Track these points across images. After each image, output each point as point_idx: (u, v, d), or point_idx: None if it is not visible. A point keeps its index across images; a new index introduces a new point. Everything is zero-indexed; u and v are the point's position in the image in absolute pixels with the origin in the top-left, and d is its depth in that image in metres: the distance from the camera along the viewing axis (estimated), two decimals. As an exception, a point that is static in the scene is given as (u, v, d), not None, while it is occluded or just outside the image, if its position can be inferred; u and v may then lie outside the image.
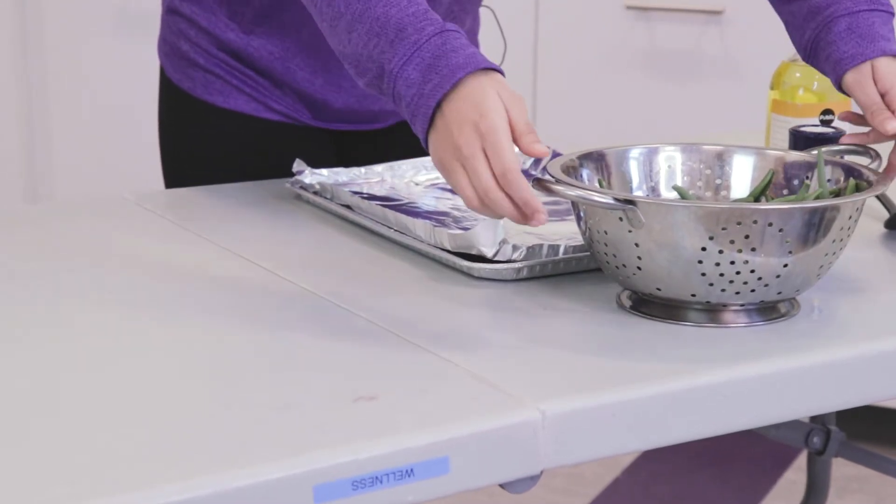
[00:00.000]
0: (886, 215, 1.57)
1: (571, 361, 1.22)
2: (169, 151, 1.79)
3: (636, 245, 1.28)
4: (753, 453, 3.00)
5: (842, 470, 2.72)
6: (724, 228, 1.24)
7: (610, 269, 1.32)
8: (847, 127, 1.52)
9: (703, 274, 1.27)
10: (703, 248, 1.25)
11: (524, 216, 1.26)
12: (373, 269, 1.44)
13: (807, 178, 1.39)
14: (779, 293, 1.29)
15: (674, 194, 1.40)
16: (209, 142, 1.75)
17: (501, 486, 1.12)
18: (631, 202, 1.26)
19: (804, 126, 1.49)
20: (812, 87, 1.56)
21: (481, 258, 1.39)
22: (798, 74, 1.57)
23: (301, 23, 1.66)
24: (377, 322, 1.28)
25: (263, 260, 1.44)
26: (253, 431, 1.07)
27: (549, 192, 1.28)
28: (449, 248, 1.41)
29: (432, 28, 1.32)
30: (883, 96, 1.48)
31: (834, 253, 1.30)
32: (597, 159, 1.40)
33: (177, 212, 1.61)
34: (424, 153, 1.71)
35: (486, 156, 1.27)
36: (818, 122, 1.54)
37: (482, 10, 1.82)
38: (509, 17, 1.95)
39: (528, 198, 1.25)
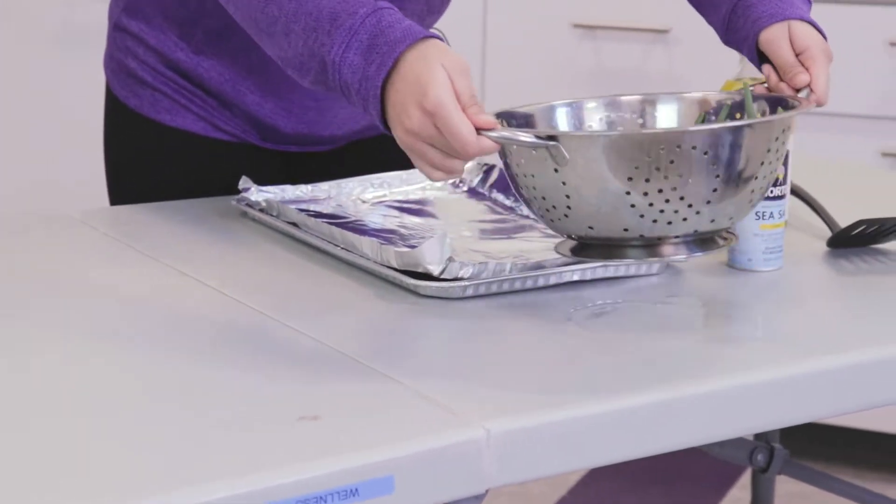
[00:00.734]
0: (829, 233, 1.59)
1: (517, 379, 1.22)
2: (115, 169, 1.78)
3: (563, 184, 1.27)
4: (699, 471, 3.01)
5: (785, 487, 2.73)
6: (648, 156, 1.24)
7: (542, 215, 1.32)
8: (789, 145, 1.54)
9: (633, 206, 1.26)
10: (630, 179, 1.25)
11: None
12: (319, 287, 1.43)
13: (737, 116, 1.41)
14: (712, 221, 1.28)
15: None
16: (156, 160, 1.74)
17: (446, 504, 1.12)
18: (553, 138, 1.26)
19: (748, 145, 1.50)
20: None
21: (428, 276, 1.39)
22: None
23: (251, 46, 1.64)
24: (322, 340, 1.28)
25: (208, 278, 1.43)
26: (195, 451, 1.07)
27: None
28: (395, 265, 1.41)
29: (365, 10, 1.32)
30: (798, 55, 1.49)
31: (765, 177, 1.30)
32: (524, 117, 1.40)
33: (121, 229, 1.60)
34: (379, 170, 1.70)
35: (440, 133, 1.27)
36: (762, 142, 1.55)
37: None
38: (456, 35, 1.95)
39: (490, 152, 1.27)
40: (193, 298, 1.39)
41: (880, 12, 2.89)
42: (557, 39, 3.03)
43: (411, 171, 1.72)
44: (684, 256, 1.30)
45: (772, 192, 1.48)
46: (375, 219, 1.60)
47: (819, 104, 1.47)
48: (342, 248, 1.48)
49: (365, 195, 1.68)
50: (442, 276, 1.38)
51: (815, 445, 3.07)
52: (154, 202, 1.70)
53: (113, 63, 1.75)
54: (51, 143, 3.41)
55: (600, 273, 1.44)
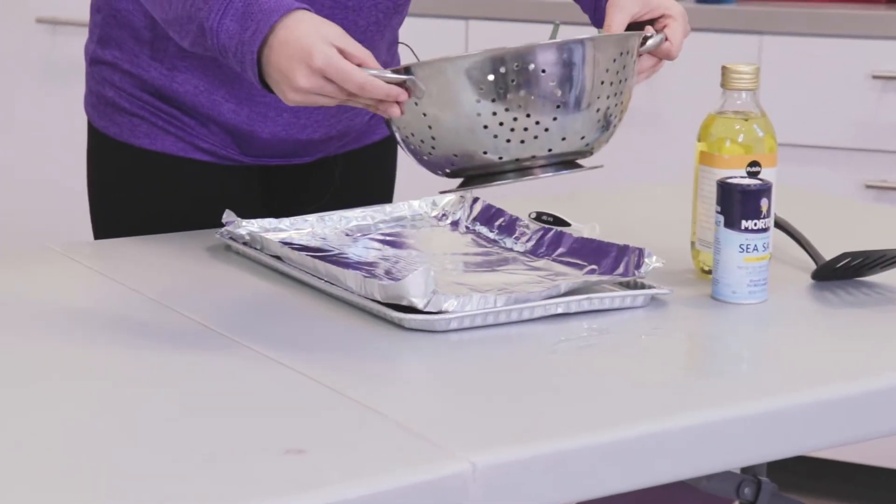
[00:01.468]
0: (814, 266, 1.59)
1: (502, 412, 1.21)
2: (98, 200, 1.78)
3: (424, 115, 1.39)
4: (683, 504, 3.01)
5: (771, 520, 2.72)
6: (490, 77, 1.36)
7: (418, 156, 1.44)
8: (772, 178, 1.54)
9: (486, 126, 1.38)
10: (478, 101, 1.37)
11: (388, 106, 1.42)
12: (303, 320, 1.43)
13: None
14: (563, 139, 1.40)
15: None
16: (138, 185, 1.74)
17: (432, 539, 1.11)
18: (408, 71, 1.39)
19: (731, 178, 1.50)
20: (738, 139, 1.57)
21: (412, 309, 1.38)
22: (724, 127, 1.58)
23: None
24: (307, 374, 1.27)
25: (192, 311, 1.43)
26: (179, 485, 1.06)
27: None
28: (380, 299, 1.40)
29: None
30: (659, 18, 1.57)
31: (610, 98, 1.41)
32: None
33: (105, 262, 1.59)
34: (354, 187, 1.73)
35: (333, 82, 1.41)
36: (745, 174, 1.55)
37: (401, 48, 1.83)
38: (429, 49, 1.95)
39: (388, 90, 1.41)
40: (177, 332, 1.38)
41: (862, 45, 2.91)
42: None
43: (395, 204, 1.72)
44: (552, 173, 1.41)
45: (755, 224, 1.48)
46: (359, 251, 1.60)
47: (669, 56, 1.55)
48: (326, 282, 1.48)
49: (348, 227, 1.68)
50: (426, 309, 1.38)
51: (803, 478, 3.06)
52: (137, 235, 1.69)
53: (92, 97, 1.76)
54: (33, 179, 3.40)
55: (585, 305, 1.43)
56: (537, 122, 1.39)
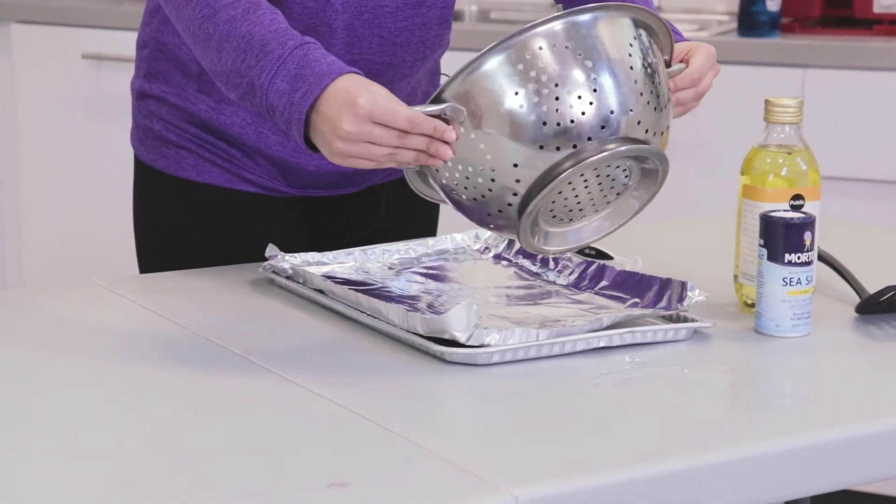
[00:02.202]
0: (857, 299, 1.58)
1: (545, 446, 1.21)
2: (143, 232, 1.79)
3: (472, 136, 1.38)
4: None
5: (816, 555, 2.70)
6: (521, 65, 1.37)
7: (473, 201, 1.42)
8: (816, 211, 1.53)
9: (533, 118, 1.36)
10: (516, 92, 1.36)
11: (439, 146, 1.40)
12: (345, 353, 1.43)
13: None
14: (612, 112, 1.37)
15: None
16: (183, 217, 1.75)
17: (475, 572, 1.11)
18: (439, 100, 1.38)
19: (775, 211, 1.50)
20: (782, 172, 1.57)
21: (454, 343, 1.38)
22: (768, 160, 1.57)
23: None
24: (350, 407, 1.27)
25: (236, 346, 1.43)
26: (224, 518, 1.06)
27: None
28: (422, 332, 1.41)
29: (293, 42, 1.47)
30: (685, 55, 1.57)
31: (646, 70, 1.40)
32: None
33: (149, 297, 1.60)
34: (399, 217, 1.73)
35: (381, 124, 1.40)
36: (789, 208, 1.55)
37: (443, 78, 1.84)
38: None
39: (435, 124, 1.40)
40: (221, 366, 1.39)
41: (906, 78, 2.90)
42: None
43: (438, 237, 1.73)
44: (625, 148, 1.38)
45: (799, 258, 1.47)
46: (401, 285, 1.60)
47: (696, 83, 1.55)
48: (368, 315, 1.48)
49: (391, 260, 1.68)
50: (469, 343, 1.38)
51: (846, 513, 3.04)
52: (183, 267, 1.70)
53: (139, 132, 1.77)
54: (78, 214, 3.43)
55: (628, 339, 1.43)
56: (579, 97, 1.37)
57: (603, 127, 1.37)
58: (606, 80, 1.38)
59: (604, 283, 1.58)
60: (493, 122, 1.38)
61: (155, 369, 1.39)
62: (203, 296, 1.60)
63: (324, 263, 1.65)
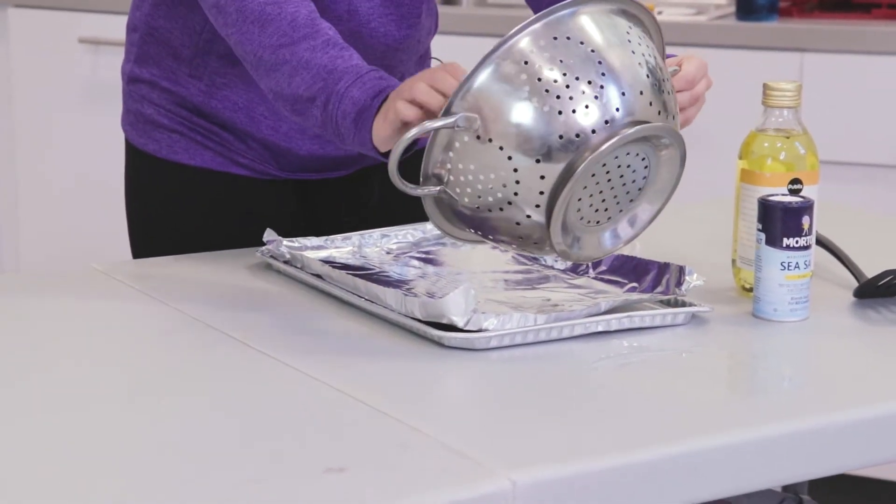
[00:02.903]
0: (856, 284, 1.58)
1: (543, 430, 1.21)
2: (136, 217, 1.79)
3: (490, 140, 1.35)
4: (725, 523, 2.99)
5: (814, 539, 2.71)
6: (525, 62, 1.35)
7: (521, 214, 1.38)
8: (814, 195, 1.53)
9: (547, 109, 1.33)
10: (529, 89, 1.34)
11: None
12: (343, 338, 1.43)
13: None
14: (623, 94, 1.35)
15: None
16: (175, 201, 1.75)
17: (473, 557, 1.11)
18: (449, 111, 1.36)
19: (773, 195, 1.50)
20: (780, 156, 1.57)
21: (452, 327, 1.38)
22: (766, 144, 1.57)
23: None
24: (347, 392, 1.27)
25: (234, 330, 1.43)
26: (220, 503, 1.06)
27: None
28: (420, 317, 1.41)
29: (370, 67, 1.49)
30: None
31: (644, 55, 1.38)
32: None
33: (147, 282, 1.60)
34: (394, 200, 1.73)
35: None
36: (787, 192, 1.55)
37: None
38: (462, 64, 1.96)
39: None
40: (218, 350, 1.39)
41: (905, 62, 2.89)
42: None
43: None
44: (634, 130, 1.35)
45: (797, 242, 1.47)
46: (399, 270, 1.60)
47: (691, 84, 1.55)
48: (366, 300, 1.48)
49: (389, 245, 1.68)
50: (466, 328, 1.38)
51: (845, 497, 3.04)
52: (175, 251, 1.70)
53: (130, 116, 1.78)
54: (74, 199, 3.42)
55: (626, 323, 1.43)
56: (589, 82, 1.35)
57: (618, 109, 1.35)
58: (613, 67, 1.36)
59: (602, 267, 1.58)
60: (507, 111, 1.35)
61: (152, 354, 1.39)
62: (201, 280, 1.60)
63: (322, 248, 1.65)
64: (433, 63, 1.84)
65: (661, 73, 1.40)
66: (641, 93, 1.36)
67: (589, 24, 1.38)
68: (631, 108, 1.36)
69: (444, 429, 1.20)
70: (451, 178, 1.39)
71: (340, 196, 1.81)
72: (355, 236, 1.68)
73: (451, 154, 1.38)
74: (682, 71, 1.54)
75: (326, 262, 1.59)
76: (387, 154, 1.44)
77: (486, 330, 1.38)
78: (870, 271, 1.58)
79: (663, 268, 1.52)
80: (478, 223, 1.41)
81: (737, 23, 3.01)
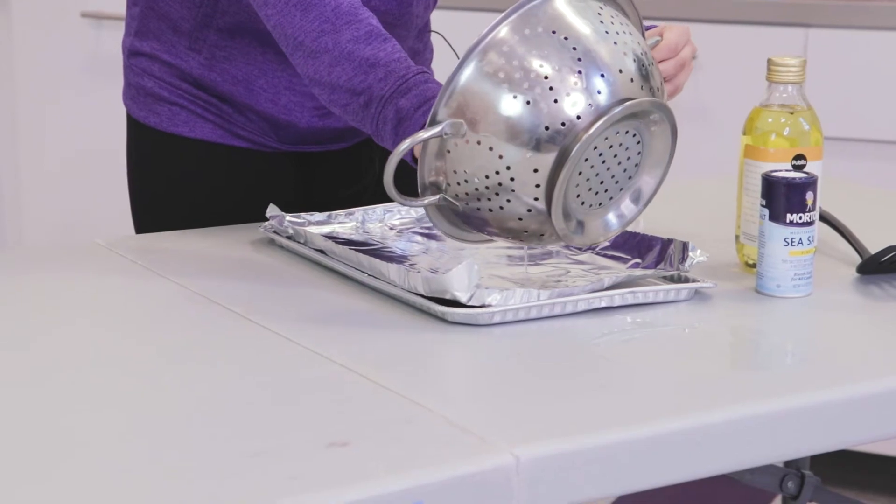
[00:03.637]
0: (859, 260, 1.58)
1: (546, 405, 1.21)
2: (138, 191, 1.80)
3: (478, 144, 1.35)
4: (729, 498, 3.00)
5: (816, 515, 2.71)
6: (504, 57, 1.34)
7: (522, 208, 1.37)
8: (818, 171, 1.53)
9: (528, 102, 1.33)
10: (508, 88, 1.34)
11: None
12: (347, 313, 1.43)
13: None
14: (601, 76, 1.35)
15: None
16: (176, 173, 1.76)
17: (475, 532, 1.11)
18: (434, 119, 1.36)
19: (777, 171, 1.50)
20: (784, 132, 1.56)
21: (455, 303, 1.38)
22: (770, 120, 1.57)
23: (267, 41, 1.69)
24: (350, 367, 1.28)
25: (236, 305, 1.43)
26: (224, 479, 1.07)
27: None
28: (423, 292, 1.41)
29: (414, 70, 1.47)
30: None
31: (623, 34, 1.37)
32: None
33: (150, 257, 1.60)
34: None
35: None
36: (791, 168, 1.54)
37: (434, 37, 1.85)
38: (461, 38, 1.95)
39: None
40: (220, 325, 1.39)
41: (909, 38, 2.89)
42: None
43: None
44: (621, 108, 1.35)
45: (800, 218, 1.47)
46: (402, 245, 1.60)
47: (673, 51, 1.54)
48: (369, 275, 1.48)
49: (392, 221, 1.68)
50: (470, 303, 1.38)
51: (847, 472, 3.05)
52: (177, 223, 1.70)
53: (131, 90, 1.78)
54: (77, 174, 3.42)
55: (629, 299, 1.43)
56: (567, 70, 1.34)
57: (599, 91, 1.35)
58: (589, 51, 1.35)
59: (605, 243, 1.58)
60: (494, 121, 1.35)
61: (154, 329, 1.39)
62: (203, 255, 1.60)
63: (325, 223, 1.65)
64: (432, 36, 1.84)
65: (640, 48, 1.39)
66: (621, 71, 1.36)
67: (559, 12, 1.37)
68: (613, 87, 1.36)
69: (447, 404, 1.20)
70: (448, 184, 1.39)
71: (341, 168, 1.81)
72: (358, 212, 1.68)
73: (444, 161, 1.38)
74: (665, 39, 1.54)
75: (329, 237, 1.59)
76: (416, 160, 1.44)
77: (489, 305, 1.38)
78: (873, 247, 1.58)
79: (667, 244, 1.52)
80: (481, 223, 1.41)
81: (741, -2, 3.00)
